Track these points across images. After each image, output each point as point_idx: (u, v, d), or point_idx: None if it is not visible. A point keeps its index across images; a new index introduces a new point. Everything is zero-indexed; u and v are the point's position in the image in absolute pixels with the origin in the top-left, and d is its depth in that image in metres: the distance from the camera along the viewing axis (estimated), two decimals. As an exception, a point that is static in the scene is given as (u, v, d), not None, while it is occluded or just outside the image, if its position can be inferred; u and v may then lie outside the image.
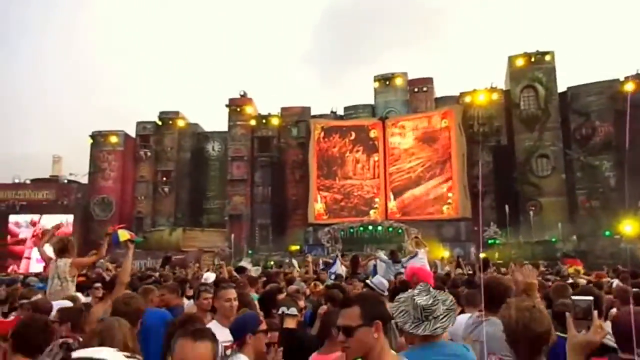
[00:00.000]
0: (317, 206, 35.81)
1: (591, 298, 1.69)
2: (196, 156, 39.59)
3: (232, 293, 3.82)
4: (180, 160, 39.76)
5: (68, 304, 4.15)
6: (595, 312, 1.70)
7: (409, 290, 2.77)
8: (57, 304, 4.07)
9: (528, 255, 23.83)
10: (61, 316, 3.58)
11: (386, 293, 5.43)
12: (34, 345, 2.71)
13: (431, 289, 2.63)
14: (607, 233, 25.35)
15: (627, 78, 30.63)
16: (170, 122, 39.89)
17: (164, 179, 39.60)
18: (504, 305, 2.58)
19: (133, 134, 40.04)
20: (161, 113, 40.39)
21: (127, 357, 0.66)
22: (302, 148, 37.25)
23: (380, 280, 5.60)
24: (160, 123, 40.02)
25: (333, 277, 10.94)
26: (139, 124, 40.26)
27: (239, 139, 38.36)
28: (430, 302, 2.53)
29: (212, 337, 1.94)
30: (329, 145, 36.71)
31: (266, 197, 37.55)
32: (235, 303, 3.81)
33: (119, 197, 38.30)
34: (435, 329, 2.48)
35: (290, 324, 3.95)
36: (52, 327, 2.97)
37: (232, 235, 30.26)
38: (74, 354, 0.63)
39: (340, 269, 12.24)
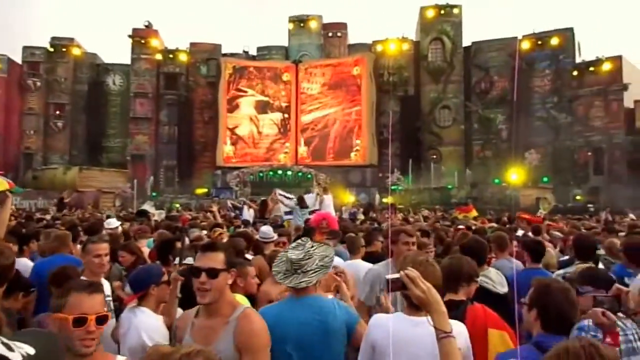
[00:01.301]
0: (226, 149, 35.14)
1: (397, 275, 1.85)
2: (94, 90, 36.59)
3: (103, 248, 3.62)
4: (75, 93, 36.56)
5: None
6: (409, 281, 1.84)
7: (300, 240, 2.79)
8: None
9: (426, 200, 25.41)
10: None
11: (272, 239, 5.81)
12: None
13: (308, 244, 2.65)
14: (496, 181, 27.61)
15: (524, 37, 32.56)
16: (64, 49, 36.19)
17: (57, 112, 36.39)
18: (400, 259, 2.69)
19: (19, 60, 35.91)
20: (53, 39, 36.48)
21: None
22: (212, 87, 35.87)
23: (263, 230, 6.12)
24: (51, 50, 36.16)
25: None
26: (26, 49, 36.08)
27: (142, 74, 35.95)
28: (301, 257, 2.56)
29: (102, 289, 1.99)
30: (240, 86, 35.70)
31: (172, 137, 36.09)
32: (106, 259, 3.62)
33: (3, 130, 34.63)
34: (300, 282, 2.50)
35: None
36: None
37: (134, 180, 28.85)
38: None
39: (248, 214, 12.24)
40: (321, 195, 11.99)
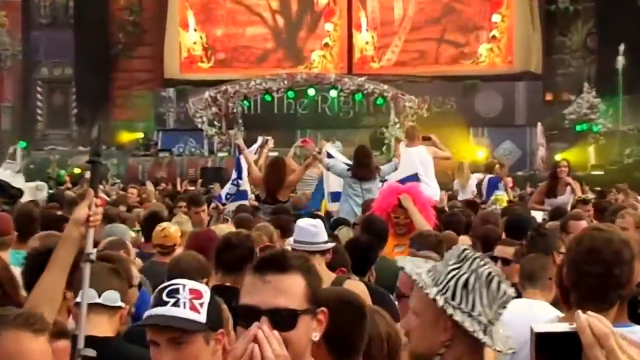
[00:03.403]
0: (187, 38, 35.72)
1: (568, 328, 1.77)
2: None
3: None
4: None
5: None
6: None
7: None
8: None
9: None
10: None
11: (324, 246, 6.53)
12: None
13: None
14: None
15: None
16: None
17: None
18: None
19: None
20: None
21: None
22: None
23: (304, 227, 6.71)
24: None
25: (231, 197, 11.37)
26: None
27: None
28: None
29: None
30: None
31: (62, 14, 36.98)
32: None
33: None
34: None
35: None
36: None
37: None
38: None
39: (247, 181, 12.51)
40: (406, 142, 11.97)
